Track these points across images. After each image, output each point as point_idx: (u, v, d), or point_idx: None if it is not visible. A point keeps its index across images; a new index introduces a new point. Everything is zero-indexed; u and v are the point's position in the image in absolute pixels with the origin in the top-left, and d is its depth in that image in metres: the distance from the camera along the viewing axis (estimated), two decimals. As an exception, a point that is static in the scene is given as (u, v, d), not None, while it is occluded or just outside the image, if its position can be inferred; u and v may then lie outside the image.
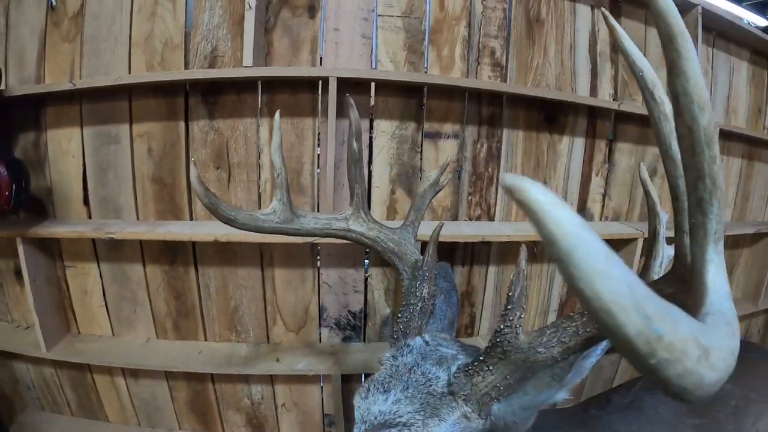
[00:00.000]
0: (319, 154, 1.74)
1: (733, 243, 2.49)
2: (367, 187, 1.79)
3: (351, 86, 1.60)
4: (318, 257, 1.83)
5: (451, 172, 1.15)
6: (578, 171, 2.03)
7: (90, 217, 1.70)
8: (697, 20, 1.86)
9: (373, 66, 1.74)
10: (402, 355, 0.81)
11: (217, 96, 1.66)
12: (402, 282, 1.04)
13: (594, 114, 1.97)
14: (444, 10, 1.74)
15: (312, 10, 1.65)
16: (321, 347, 1.86)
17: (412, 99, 1.77)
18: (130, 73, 1.60)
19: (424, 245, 1.02)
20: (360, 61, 1.72)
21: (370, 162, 1.80)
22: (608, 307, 0.28)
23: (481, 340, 1.99)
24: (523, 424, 0.76)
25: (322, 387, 1.92)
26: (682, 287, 0.60)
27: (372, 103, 1.74)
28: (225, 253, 1.74)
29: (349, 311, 1.91)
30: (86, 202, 1.69)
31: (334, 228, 1.06)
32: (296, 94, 1.69)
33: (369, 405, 0.73)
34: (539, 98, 1.84)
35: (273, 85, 1.67)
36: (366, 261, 1.90)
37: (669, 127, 0.63)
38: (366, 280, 1.90)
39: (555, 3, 1.84)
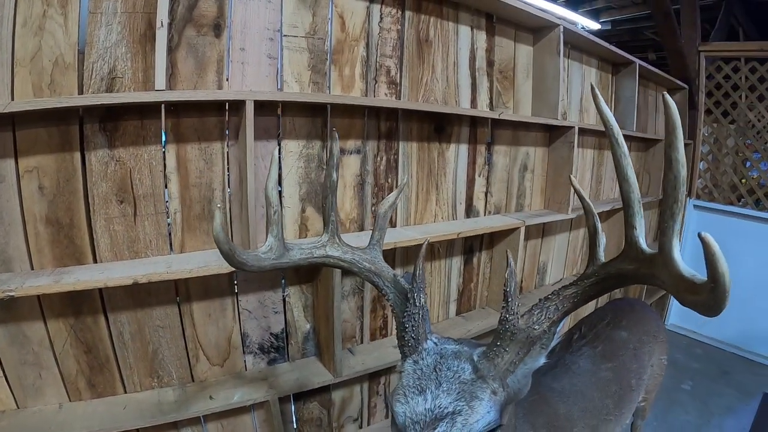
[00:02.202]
0: (229, 179, 1.69)
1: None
2: (280, 207, 1.79)
3: (257, 107, 1.58)
4: (236, 284, 1.78)
5: (401, 191, 1.23)
6: (464, 174, 2.25)
7: (-29, 274, 1.41)
8: (559, 37, 2.19)
9: (279, 86, 1.73)
10: (422, 359, 0.92)
11: (116, 122, 1.49)
12: (386, 297, 1.11)
13: (475, 122, 2.20)
14: (345, 31, 1.80)
15: (218, 29, 1.58)
16: (250, 375, 1.81)
17: (318, 118, 1.81)
18: (13, 98, 1.34)
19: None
20: (267, 81, 1.70)
21: (279, 182, 1.79)
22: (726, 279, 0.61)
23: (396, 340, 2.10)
24: (525, 387, 0.94)
25: (254, 415, 1.87)
26: (640, 264, 0.83)
27: (279, 123, 1.74)
28: (138, 295, 1.59)
29: (271, 334, 1.88)
30: (-37, 257, 1.41)
31: (315, 256, 1.10)
32: (203, 117, 1.61)
33: (412, 407, 0.83)
34: (429, 112, 2.00)
35: (177, 108, 1.57)
36: (282, 281, 1.89)
37: (626, 161, 0.84)
38: (284, 299, 1.89)
39: (441, 24, 2.01)
